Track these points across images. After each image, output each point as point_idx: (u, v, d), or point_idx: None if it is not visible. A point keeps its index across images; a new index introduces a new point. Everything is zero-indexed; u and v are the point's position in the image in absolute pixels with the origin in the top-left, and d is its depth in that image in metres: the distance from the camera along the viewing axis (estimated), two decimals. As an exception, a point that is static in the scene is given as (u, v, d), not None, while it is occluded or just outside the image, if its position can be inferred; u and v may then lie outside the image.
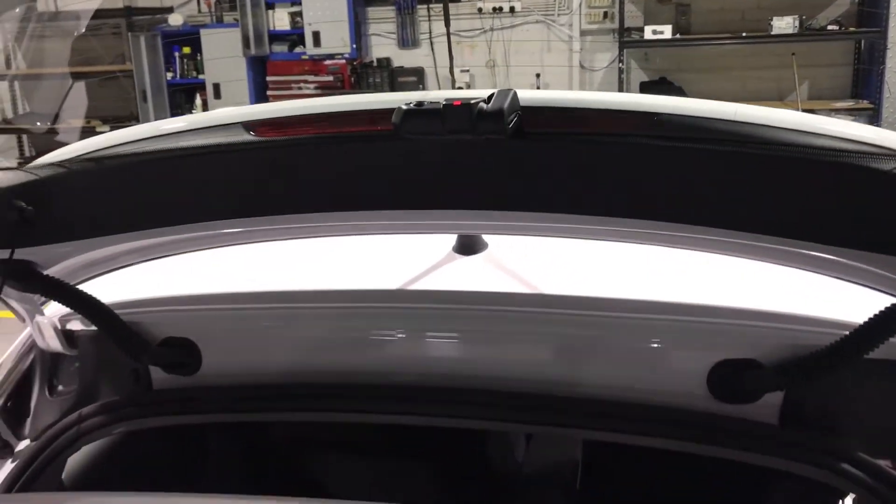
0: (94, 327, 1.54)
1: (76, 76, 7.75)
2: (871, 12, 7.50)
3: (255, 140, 1.16)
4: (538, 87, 8.30)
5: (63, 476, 1.62)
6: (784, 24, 7.46)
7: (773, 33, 7.51)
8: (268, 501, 1.21)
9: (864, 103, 7.61)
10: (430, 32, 8.67)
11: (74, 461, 1.64)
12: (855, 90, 7.96)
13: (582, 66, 8.45)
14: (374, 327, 1.53)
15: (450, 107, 1.04)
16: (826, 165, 1.00)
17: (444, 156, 1.13)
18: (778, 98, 7.85)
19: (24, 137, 9.66)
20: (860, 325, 1.14)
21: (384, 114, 1.07)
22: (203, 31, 8.62)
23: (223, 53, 8.51)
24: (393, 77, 8.64)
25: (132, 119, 8.55)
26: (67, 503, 1.22)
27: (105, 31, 8.66)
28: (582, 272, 1.63)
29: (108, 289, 1.52)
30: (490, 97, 1.05)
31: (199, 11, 9.06)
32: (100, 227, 1.31)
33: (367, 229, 1.46)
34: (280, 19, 8.57)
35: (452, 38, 8.42)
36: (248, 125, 1.17)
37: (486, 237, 1.69)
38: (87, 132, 7.90)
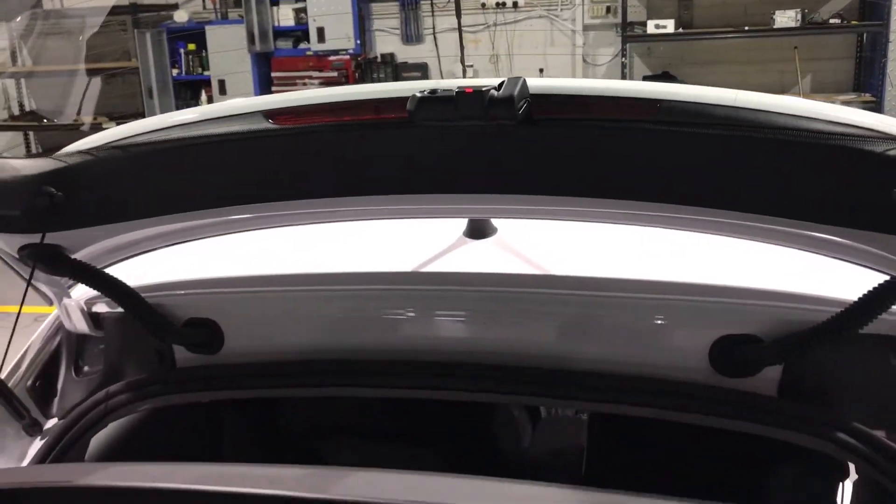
0: (119, 309, 1.60)
1: (84, 73, 7.80)
2: (873, 5, 7.53)
3: (278, 128, 1.21)
4: (541, 82, 8.32)
5: (87, 454, 1.68)
6: (786, 18, 7.50)
7: (775, 27, 7.54)
8: (282, 469, 1.27)
9: (867, 96, 7.63)
10: (434, 28, 8.71)
11: (98, 440, 1.70)
12: (857, 83, 7.98)
13: (585, 61, 8.49)
14: (388, 307, 1.58)
15: (462, 94, 1.09)
16: (823, 148, 1.05)
17: (457, 141, 1.17)
18: (780, 91, 7.87)
19: (31, 134, 9.73)
20: (854, 302, 1.19)
21: (399, 102, 1.12)
22: (208, 28, 8.66)
23: (228, 50, 8.56)
24: (397, 72, 8.68)
25: (138, 115, 8.60)
26: (99, 472, 1.28)
27: (111, 28, 8.71)
28: (587, 254, 1.68)
29: (128, 274, 1.58)
30: (501, 85, 1.10)
31: (204, 8, 9.10)
32: (126, 211, 1.36)
33: (383, 214, 1.51)
34: (284, 15, 8.61)
35: (456, 34, 8.49)
36: (268, 114, 1.23)
37: (495, 222, 1.74)
38: (94, 128, 7.96)
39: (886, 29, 7.35)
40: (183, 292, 1.61)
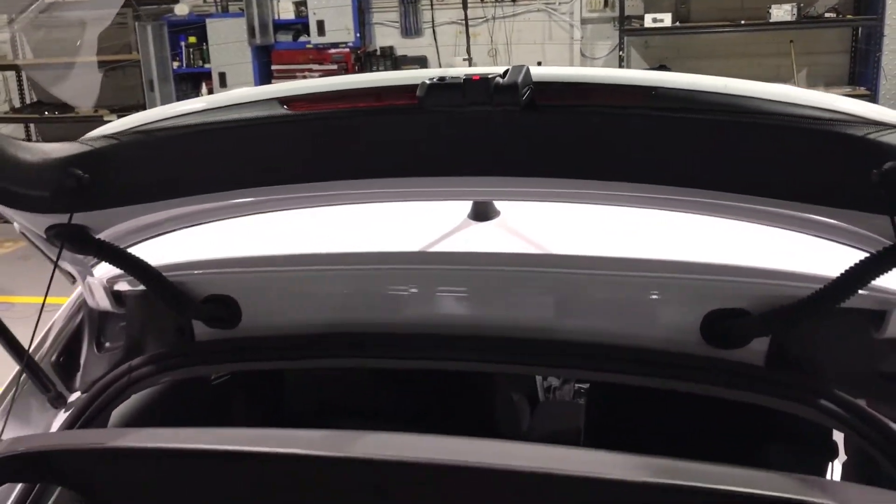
0: (140, 287, 1.67)
1: (84, 65, 7.85)
2: None
3: (297, 113, 1.28)
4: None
5: (108, 426, 1.76)
6: (782, 12, 7.58)
7: (771, 21, 7.62)
8: (294, 432, 1.35)
9: (862, 90, 7.71)
10: (433, 21, 8.77)
11: (118, 413, 1.78)
12: (852, 76, 8.07)
13: (583, 55, 8.55)
14: (397, 285, 1.66)
15: (469, 81, 1.16)
16: (807, 132, 1.13)
17: (464, 126, 1.25)
18: (776, 85, 7.95)
19: (32, 126, 9.78)
20: (836, 278, 1.26)
21: (409, 89, 1.19)
22: (209, 21, 8.71)
23: (229, 42, 8.60)
24: (396, 65, 8.73)
25: (139, 107, 8.64)
26: (130, 436, 1.35)
27: (112, 20, 8.75)
28: (586, 235, 1.76)
29: (149, 254, 1.65)
30: (505, 73, 1.17)
31: (205, 1, 9.14)
32: (149, 193, 1.43)
33: (394, 196, 1.59)
34: (285, 8, 8.66)
35: (454, 27, 8.56)
36: (284, 100, 1.30)
37: (498, 206, 1.82)
38: (96, 121, 8.02)
39: (881, 23, 7.43)
40: (202, 271, 1.69)
